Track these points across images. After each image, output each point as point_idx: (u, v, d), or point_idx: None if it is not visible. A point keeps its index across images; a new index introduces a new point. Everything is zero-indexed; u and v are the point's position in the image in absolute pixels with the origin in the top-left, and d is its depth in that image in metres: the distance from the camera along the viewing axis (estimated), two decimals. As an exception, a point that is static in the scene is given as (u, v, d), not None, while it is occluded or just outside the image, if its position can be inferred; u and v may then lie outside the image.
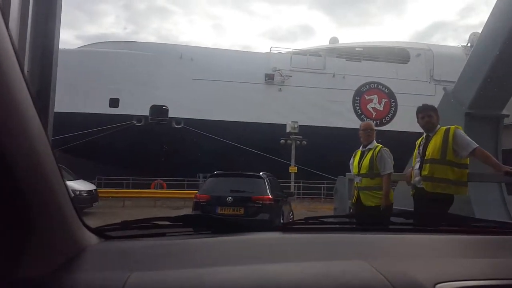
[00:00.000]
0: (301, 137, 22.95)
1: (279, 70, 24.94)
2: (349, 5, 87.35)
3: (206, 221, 1.65)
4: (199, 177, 22.69)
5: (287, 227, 1.67)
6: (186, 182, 20.61)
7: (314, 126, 24.44)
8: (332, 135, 24.90)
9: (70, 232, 1.02)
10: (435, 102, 23.13)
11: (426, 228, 1.65)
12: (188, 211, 18.30)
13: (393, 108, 26.41)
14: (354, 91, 26.03)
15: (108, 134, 22.54)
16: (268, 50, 26.41)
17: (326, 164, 24.10)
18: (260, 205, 7.89)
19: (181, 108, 23.83)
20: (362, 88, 26.21)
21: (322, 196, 21.41)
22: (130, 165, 21.88)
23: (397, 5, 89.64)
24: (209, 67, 24.55)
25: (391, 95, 26.49)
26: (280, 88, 25.15)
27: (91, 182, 16.83)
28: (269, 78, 24.78)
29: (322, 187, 21.88)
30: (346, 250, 1.27)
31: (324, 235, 1.48)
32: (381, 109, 26.28)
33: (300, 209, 19.95)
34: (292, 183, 22.74)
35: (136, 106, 23.72)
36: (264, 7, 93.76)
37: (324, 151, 24.38)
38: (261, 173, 9.10)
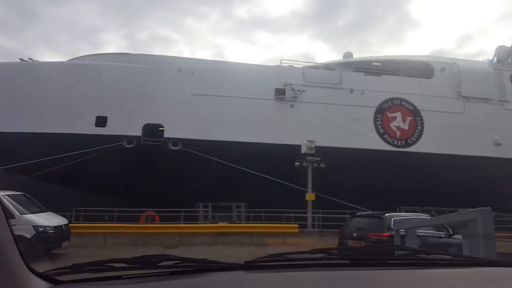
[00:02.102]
0: (319, 158, 19.67)
1: (290, 85, 22.03)
2: (349, 35, 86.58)
3: (166, 261, 1.48)
4: (199, 208, 19.21)
5: (251, 265, 1.56)
6: (183, 214, 17.09)
7: (331, 147, 21.23)
8: (353, 157, 21.62)
9: (13, 278, 0.95)
10: (464, 120, 19.63)
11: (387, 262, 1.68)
12: (184, 249, 14.74)
13: (419, 127, 23.32)
14: (375, 108, 23.02)
15: (92, 157, 19.19)
16: (278, 64, 23.64)
17: (346, 191, 20.76)
18: (375, 240, 8.88)
19: (179, 128, 20.65)
20: (384, 104, 23.24)
21: (347, 230, 17.80)
22: (116, 193, 18.38)
23: (396, 35, 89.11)
24: (212, 81, 21.63)
25: (416, 113, 23.48)
26: (292, 105, 22.13)
27: (64, 215, 13.29)
28: (280, 93, 21.81)
29: (346, 218, 18.27)
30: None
31: (289, 273, 1.51)
32: (406, 128, 23.19)
33: (322, 245, 16.39)
34: (309, 214, 19.21)
35: (126, 125, 20.53)
36: (266, 36, 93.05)
37: (344, 176, 21.03)
38: (386, 214, 9.98)
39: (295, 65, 23.54)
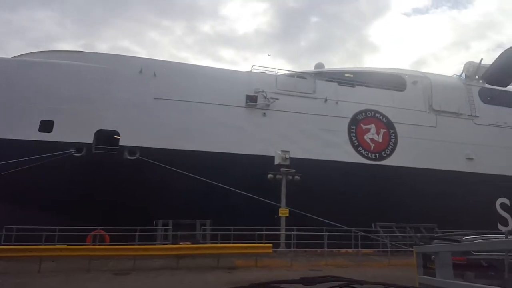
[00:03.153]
0: (294, 170, 18.10)
1: (262, 92, 20.50)
2: (311, 54, 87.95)
3: None
4: (157, 226, 16.92)
5: None
6: (138, 233, 14.71)
7: (305, 159, 19.80)
8: (327, 170, 20.29)
9: None
10: (437, 134, 18.65)
11: None
12: (138, 276, 12.40)
13: (393, 140, 22.50)
14: (349, 119, 21.97)
15: (32, 167, 16.47)
16: (249, 69, 22.09)
17: (321, 206, 19.27)
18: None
19: (137, 135, 18.39)
20: (358, 116, 22.26)
21: (324, 248, 16.18)
22: (60, 209, 15.75)
23: (355, 57, 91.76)
24: (177, 84, 19.66)
25: (389, 125, 22.70)
26: (265, 113, 20.55)
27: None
28: (251, 100, 20.20)
29: (324, 236, 16.74)
30: None
31: None
32: (380, 140, 22.28)
33: (298, 267, 14.68)
34: (283, 232, 17.43)
35: (76, 131, 17.99)
36: (230, 53, 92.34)
37: (319, 190, 19.60)
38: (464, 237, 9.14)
39: (267, 72, 22.11)
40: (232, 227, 16.18)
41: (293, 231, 16.15)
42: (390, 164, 21.92)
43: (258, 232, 15.42)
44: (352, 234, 17.61)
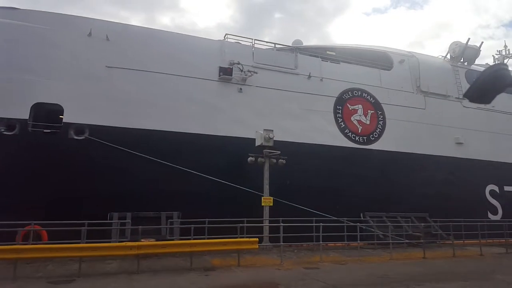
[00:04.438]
0: (279, 152, 15.43)
1: (238, 64, 17.65)
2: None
3: None
4: (112, 219, 13.66)
5: None
6: (86, 228, 11.39)
7: (288, 142, 17.21)
8: (312, 154, 17.88)
9: None
10: (426, 116, 15.96)
11: None
12: (85, 283, 9.18)
13: (381, 122, 20.44)
14: (335, 99, 19.64)
15: None
16: (222, 38, 19.09)
17: (308, 194, 16.79)
18: None
19: (85, 110, 14.98)
20: (344, 95, 19.99)
21: (315, 242, 13.59)
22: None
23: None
24: (135, 51, 16.37)
25: (377, 106, 20.63)
26: (241, 88, 17.72)
27: None
28: (225, 73, 17.29)
29: (314, 229, 14.18)
30: None
31: None
32: (368, 122, 20.14)
33: (290, 266, 11.98)
34: (266, 223, 14.69)
35: (7, 104, 14.31)
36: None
37: (303, 177, 17.13)
38: None
39: (243, 43, 19.24)
40: (206, 220, 13.23)
41: (278, 223, 13.42)
42: (378, 148, 19.84)
43: (240, 225, 12.55)
44: (345, 225, 15.20)
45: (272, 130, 15.28)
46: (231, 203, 14.94)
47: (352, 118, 19.80)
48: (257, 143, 15.27)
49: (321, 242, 13.04)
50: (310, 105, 18.86)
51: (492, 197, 22.05)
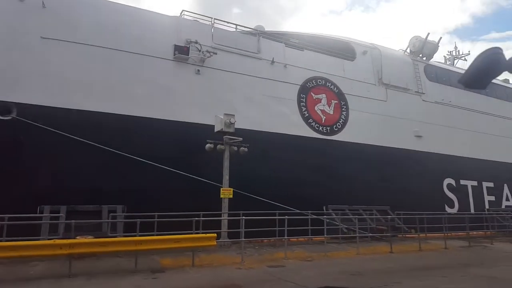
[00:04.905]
0: (241, 139, 14.06)
1: (196, 42, 16.04)
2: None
3: None
4: (42, 213, 11.63)
5: None
6: (6, 223, 9.34)
7: (250, 130, 15.93)
8: (275, 144, 16.74)
9: None
10: (388, 109, 15.37)
11: None
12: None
13: (344, 113, 19.74)
14: (299, 87, 18.62)
15: None
16: (178, 15, 17.30)
17: (270, 186, 15.63)
18: None
19: (12, 86, 12.70)
20: (308, 83, 19.03)
21: (282, 237, 12.37)
22: None
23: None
24: (76, 22, 14.24)
25: (341, 96, 19.91)
26: (199, 70, 16.12)
27: None
28: (181, 51, 15.61)
29: (277, 222, 12.98)
30: None
31: None
32: (331, 112, 19.35)
33: (252, 264, 10.63)
34: (225, 217, 13.29)
35: None
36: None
37: (266, 167, 15.95)
38: None
39: (201, 22, 17.61)
40: (156, 214, 11.58)
41: (239, 216, 12.06)
42: (342, 139, 19.12)
43: (196, 218, 11.03)
44: (308, 218, 14.19)
45: (234, 115, 13.86)
46: (186, 196, 13.39)
47: (316, 108, 18.91)
48: (217, 128, 13.79)
49: (286, 237, 11.86)
50: (273, 92, 17.70)
51: (449, 191, 22.23)
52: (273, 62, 18.01)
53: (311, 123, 18.52)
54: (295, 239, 14.56)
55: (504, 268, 10.21)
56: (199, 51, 16.04)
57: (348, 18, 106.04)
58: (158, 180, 13.43)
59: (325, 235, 13.26)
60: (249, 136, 15.35)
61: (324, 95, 19.30)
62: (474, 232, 18.69)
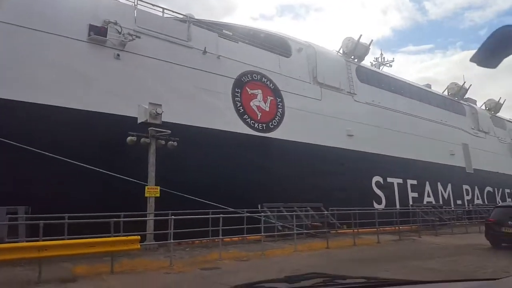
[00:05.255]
0: (169, 132, 12.76)
1: (115, 23, 14.37)
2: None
3: None
4: None
5: None
6: None
7: (179, 125, 14.72)
8: (208, 140, 15.73)
9: None
10: (322, 108, 15.56)
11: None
12: None
13: (280, 110, 19.36)
14: (233, 80, 17.80)
15: None
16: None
17: (202, 184, 14.54)
18: None
19: None
20: (244, 77, 18.31)
21: (216, 237, 11.33)
22: None
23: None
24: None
25: (277, 93, 19.51)
26: (119, 55, 14.48)
27: None
28: (97, 32, 13.83)
29: (210, 221, 11.93)
30: None
31: None
32: (267, 109, 18.84)
33: (182, 268, 9.34)
34: (151, 217, 11.89)
35: None
36: None
37: (198, 165, 14.87)
38: None
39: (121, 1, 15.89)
40: (66, 215, 9.87)
41: (168, 216, 10.80)
42: (277, 137, 18.67)
43: (115, 220, 9.54)
44: (244, 216, 13.41)
45: (161, 105, 12.54)
46: (106, 196, 11.75)
47: (251, 103, 18.24)
48: (140, 119, 12.34)
49: (220, 237, 10.86)
50: (205, 84, 16.65)
51: (378, 188, 22.97)
52: (205, 52, 16.97)
53: (247, 119, 17.80)
54: (230, 238, 13.62)
55: (439, 260, 10.29)
56: (119, 33, 14.39)
57: (278, 24, 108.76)
58: (71, 177, 11.62)
59: (262, 233, 12.48)
60: (179, 130, 14.14)
61: (260, 91, 18.72)
62: (401, 227, 19.42)
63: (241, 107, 17.71)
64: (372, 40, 26.22)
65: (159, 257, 10.07)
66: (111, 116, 13.34)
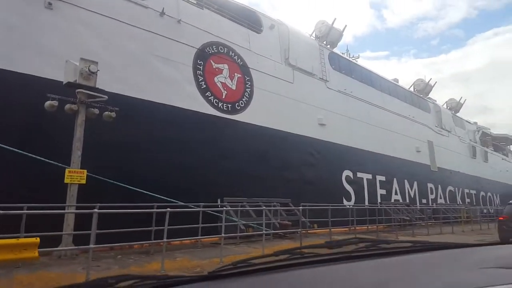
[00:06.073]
0: (105, 98, 9.83)
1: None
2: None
3: (124, 281, 1.34)
4: None
5: (214, 275, 1.44)
6: None
7: (126, 96, 11.88)
8: (162, 119, 13.01)
9: None
10: (294, 92, 12.87)
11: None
12: None
13: (248, 90, 16.88)
14: (196, 50, 15.04)
15: None
16: None
17: (151, 172, 11.87)
18: None
19: None
20: (208, 48, 15.60)
21: (159, 240, 8.69)
22: None
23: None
24: None
25: (245, 71, 17.00)
26: (51, 3, 11.27)
27: None
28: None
29: (153, 217, 9.31)
30: None
31: (254, 278, 1.40)
32: (234, 87, 16.28)
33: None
34: (70, 211, 8.98)
35: None
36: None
37: (146, 148, 12.14)
38: None
39: None
40: None
41: (94, 207, 8.01)
42: (245, 120, 16.21)
43: (9, 213, 6.63)
44: (200, 212, 10.88)
45: (96, 62, 9.58)
46: (12, 182, 8.74)
47: (215, 79, 15.60)
48: (68, 78, 9.31)
49: (165, 240, 8.23)
50: (161, 51, 13.79)
51: (347, 183, 21.26)
52: (163, 13, 14.08)
53: (209, 97, 15.15)
54: (180, 241, 10.99)
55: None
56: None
57: None
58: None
59: (223, 234, 9.99)
60: (125, 104, 11.32)
61: (226, 66, 16.11)
62: (370, 226, 17.85)
63: (203, 82, 15.02)
64: (346, 26, 24.18)
65: (77, 268, 7.27)
66: (30, 78, 10.19)
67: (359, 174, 22.22)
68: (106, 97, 9.95)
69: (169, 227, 8.55)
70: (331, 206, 14.66)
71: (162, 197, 11.37)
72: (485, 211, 32.21)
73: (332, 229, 14.34)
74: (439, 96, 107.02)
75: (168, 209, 8.72)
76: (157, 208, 9.55)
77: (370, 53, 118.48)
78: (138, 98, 12.52)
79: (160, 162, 12.41)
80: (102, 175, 10.38)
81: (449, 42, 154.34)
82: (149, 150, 12.28)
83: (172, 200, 11.60)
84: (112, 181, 10.54)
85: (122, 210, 8.62)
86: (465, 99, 40.13)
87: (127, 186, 10.84)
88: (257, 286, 1.30)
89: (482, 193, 37.75)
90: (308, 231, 14.85)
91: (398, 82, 31.52)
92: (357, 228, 16.42)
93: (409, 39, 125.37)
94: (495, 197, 40.16)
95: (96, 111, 9.73)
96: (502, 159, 45.09)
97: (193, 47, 14.92)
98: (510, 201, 14.20)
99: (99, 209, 7.54)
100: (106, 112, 9.63)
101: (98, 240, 7.36)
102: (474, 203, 34.20)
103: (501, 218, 14.10)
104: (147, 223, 9.70)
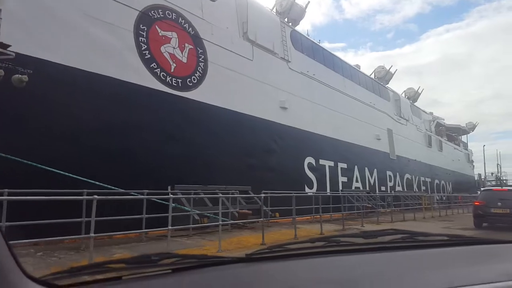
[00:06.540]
0: (13, 55, 7.52)
1: None
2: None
3: (166, 259, 1.39)
4: None
5: (252, 258, 1.49)
6: None
7: (49, 62, 9.57)
8: (96, 92, 10.80)
9: (9, 285, 0.88)
10: (254, 71, 11.24)
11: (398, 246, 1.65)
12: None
13: (202, 64, 14.90)
14: (138, 13, 12.81)
15: None
16: None
17: (81, 154, 9.70)
18: None
19: None
20: (153, 12, 13.40)
21: (93, 234, 6.64)
22: None
23: None
24: None
25: (198, 42, 14.98)
26: None
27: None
28: None
29: (83, 206, 7.26)
30: (316, 275, 1.25)
31: (289, 263, 1.44)
32: (184, 60, 14.22)
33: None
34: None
35: None
36: None
37: (75, 125, 9.93)
38: None
39: None
40: None
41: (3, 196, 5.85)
42: (197, 99, 14.24)
43: None
44: (144, 200, 8.92)
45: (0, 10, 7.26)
46: None
47: (162, 49, 13.45)
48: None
49: (101, 234, 6.21)
50: (94, 10, 11.45)
51: (310, 170, 20.00)
52: (97, -34, 11.73)
53: (155, 69, 12.99)
54: (122, 235, 8.94)
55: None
56: None
57: None
58: None
59: (169, 227, 8.06)
60: (50, 73, 9.06)
61: (175, 34, 14.00)
62: (333, 214, 16.69)
63: (147, 51, 12.83)
64: (309, 2, 22.71)
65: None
66: None
67: (321, 161, 21.07)
68: (13, 54, 7.65)
69: (106, 218, 6.64)
70: (295, 193, 13.15)
71: (101, 184, 9.30)
72: (439, 198, 32.87)
73: (296, 218, 12.89)
74: (394, 88, 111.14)
75: (95, 196, 6.67)
76: (87, 195, 7.47)
77: (328, 44, 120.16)
78: (64, 65, 10.17)
79: (96, 143, 10.23)
80: (18, 156, 8.14)
81: (403, 36, 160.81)
82: (79, 127, 10.04)
83: (113, 187, 9.59)
84: (28, 161, 8.29)
85: (39, 197, 6.47)
86: (423, 89, 40.78)
87: (51, 169, 8.64)
88: (292, 270, 1.33)
89: (436, 181, 38.54)
90: (270, 221, 13.30)
91: (360, 69, 30.92)
92: (323, 216, 15.15)
93: (366, 31, 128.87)
94: (447, 185, 41.28)
95: (1, 72, 7.41)
96: (455, 148, 46.63)
97: (135, 9, 12.68)
98: (484, 187, 15.56)
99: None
100: (17, 76, 7.34)
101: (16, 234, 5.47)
102: (429, 191, 34.71)
103: (477, 203, 14.14)
104: (78, 212, 7.62)
